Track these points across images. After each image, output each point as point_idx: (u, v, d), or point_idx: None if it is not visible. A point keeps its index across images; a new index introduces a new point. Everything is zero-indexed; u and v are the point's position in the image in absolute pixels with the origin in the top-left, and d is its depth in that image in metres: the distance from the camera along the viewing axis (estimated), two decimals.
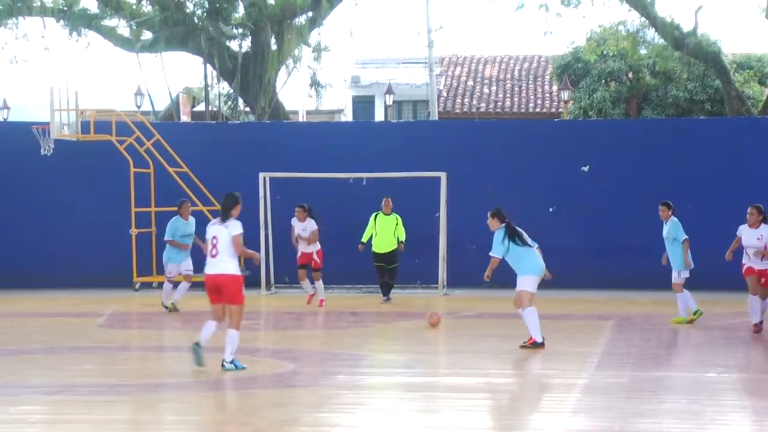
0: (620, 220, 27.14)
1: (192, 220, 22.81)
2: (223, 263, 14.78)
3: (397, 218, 24.81)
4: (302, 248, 23.76)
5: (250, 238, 27.74)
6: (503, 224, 17.28)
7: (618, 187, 27.18)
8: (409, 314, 22.37)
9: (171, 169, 27.46)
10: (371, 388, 14.24)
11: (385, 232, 24.67)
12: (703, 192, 26.84)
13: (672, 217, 20.37)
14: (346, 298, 25.58)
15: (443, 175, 26.48)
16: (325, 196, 26.98)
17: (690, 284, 25.51)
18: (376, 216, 24.82)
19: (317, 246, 23.75)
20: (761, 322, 18.77)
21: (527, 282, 17.05)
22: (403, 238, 24.77)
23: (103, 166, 27.92)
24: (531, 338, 16.93)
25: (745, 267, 19.16)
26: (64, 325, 20.26)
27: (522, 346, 16.87)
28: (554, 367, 15.55)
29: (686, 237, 20.29)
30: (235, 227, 14.85)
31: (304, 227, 23.69)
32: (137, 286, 27.18)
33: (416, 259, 26.75)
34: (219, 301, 14.88)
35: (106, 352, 17.24)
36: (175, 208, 22.89)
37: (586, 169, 27.59)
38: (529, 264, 17.06)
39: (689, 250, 20.32)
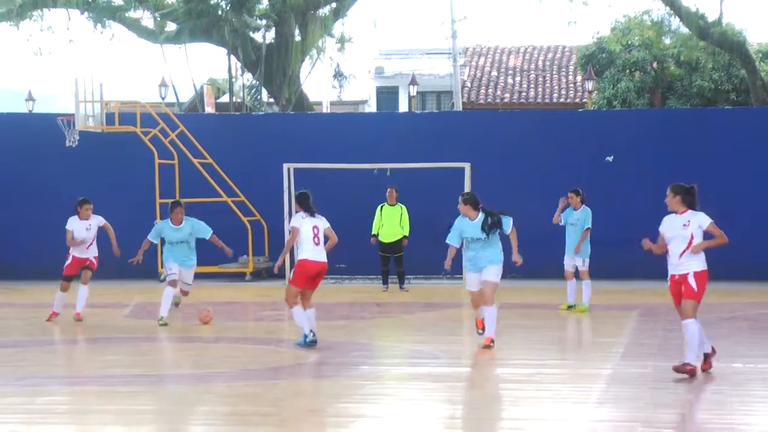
0: (645, 210, 26.94)
1: (184, 225, 19.41)
2: (324, 252, 15.97)
3: (402, 208, 24.90)
4: (78, 252, 19.73)
5: (274, 229, 27.96)
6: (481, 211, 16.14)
7: (643, 177, 27.09)
8: (433, 305, 22.37)
9: (195, 161, 27.53)
10: (396, 378, 14.25)
11: (390, 223, 24.82)
12: (728, 182, 26.74)
13: (584, 205, 20.67)
14: (369, 288, 25.58)
15: (467, 166, 26.44)
16: (349, 187, 27.01)
17: (713, 274, 25.46)
18: (381, 207, 24.94)
19: (95, 250, 19.99)
20: (711, 354, 14.04)
21: (499, 272, 16.14)
22: (407, 230, 24.81)
23: (128, 157, 28.01)
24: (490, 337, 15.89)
25: (669, 276, 14.07)
26: (90, 316, 20.32)
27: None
28: (579, 358, 15.53)
29: (590, 227, 20.66)
30: (326, 220, 16.16)
31: (89, 225, 19.77)
32: (162, 277, 27.25)
33: (440, 249, 26.75)
34: (306, 287, 15.87)
35: (131, 342, 17.31)
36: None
37: (610, 159, 27.53)
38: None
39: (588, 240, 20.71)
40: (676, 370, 13.44)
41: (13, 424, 11.19)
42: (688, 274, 13.83)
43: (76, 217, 19.75)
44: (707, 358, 13.88)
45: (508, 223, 16.03)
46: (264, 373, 14.35)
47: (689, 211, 14.08)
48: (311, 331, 15.84)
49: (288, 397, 12.77)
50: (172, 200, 20.71)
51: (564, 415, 11.68)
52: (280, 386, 13.58)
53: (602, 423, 11.36)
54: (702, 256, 13.96)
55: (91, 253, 19.81)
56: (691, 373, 13.42)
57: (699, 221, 13.99)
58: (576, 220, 20.66)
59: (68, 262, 19.82)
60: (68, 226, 19.68)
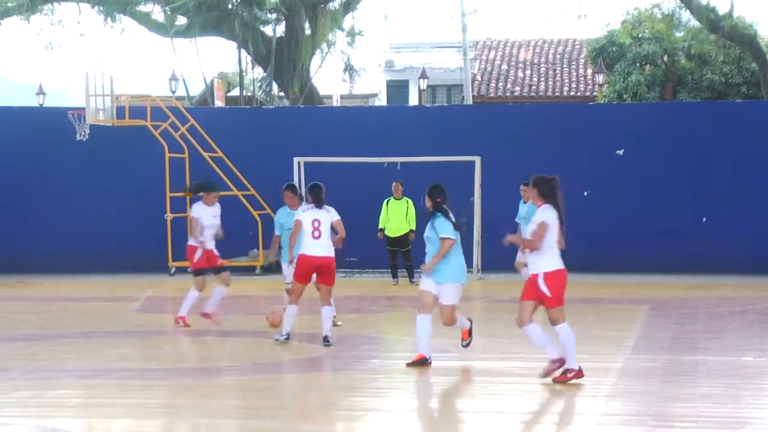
0: (655, 204, 27.04)
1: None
2: (328, 246, 15.39)
3: (408, 202, 24.88)
4: (210, 244, 17.79)
5: None
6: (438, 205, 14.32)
7: (653, 171, 27.08)
8: None
9: (205, 154, 27.55)
10: (406, 372, 14.24)
11: (396, 217, 24.81)
12: (738, 176, 26.71)
13: None
14: (380, 282, 25.59)
15: (477, 159, 26.45)
16: (359, 181, 27.00)
17: (724, 267, 25.49)
18: (387, 201, 24.93)
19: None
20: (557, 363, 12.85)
21: (456, 292, 14.15)
22: (414, 225, 24.69)
23: (138, 151, 28.04)
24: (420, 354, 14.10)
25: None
26: (100, 310, 20.38)
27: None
28: (589, 351, 15.50)
29: None
30: (335, 212, 15.53)
31: (215, 212, 17.96)
32: (172, 270, 27.29)
33: None
34: (307, 282, 15.52)
35: (141, 336, 17.33)
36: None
37: (620, 152, 27.50)
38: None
39: None
40: (554, 379, 12.61)
41: (24, 418, 11.21)
42: (537, 275, 12.61)
43: (200, 203, 17.77)
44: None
45: (443, 227, 13.89)
46: (275, 367, 14.36)
47: (545, 205, 12.74)
48: (288, 335, 15.64)
49: (299, 390, 12.78)
50: (286, 183, 18.11)
51: (574, 408, 11.67)
52: (291, 380, 13.60)
53: (612, 417, 11.35)
54: (553, 253, 12.63)
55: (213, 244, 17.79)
56: (579, 376, 12.62)
57: (537, 217, 12.70)
58: (526, 213, 19.28)
59: (199, 255, 17.57)
60: (194, 214, 17.59)
